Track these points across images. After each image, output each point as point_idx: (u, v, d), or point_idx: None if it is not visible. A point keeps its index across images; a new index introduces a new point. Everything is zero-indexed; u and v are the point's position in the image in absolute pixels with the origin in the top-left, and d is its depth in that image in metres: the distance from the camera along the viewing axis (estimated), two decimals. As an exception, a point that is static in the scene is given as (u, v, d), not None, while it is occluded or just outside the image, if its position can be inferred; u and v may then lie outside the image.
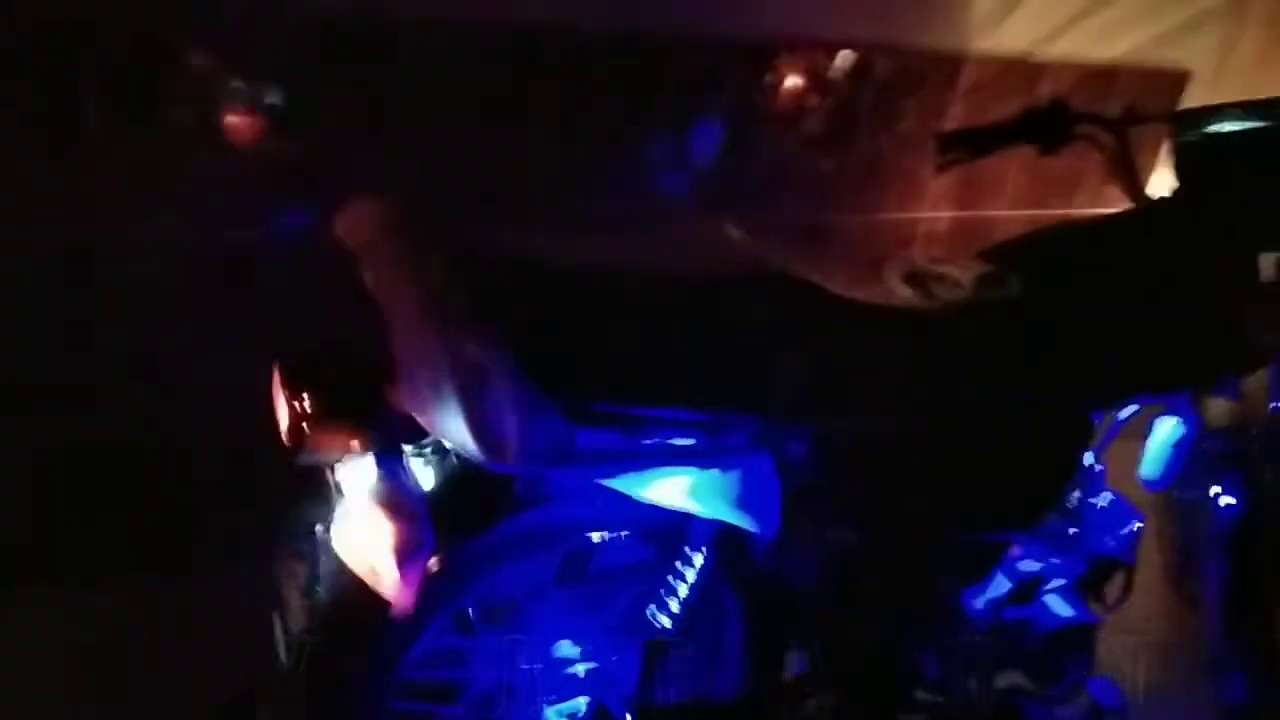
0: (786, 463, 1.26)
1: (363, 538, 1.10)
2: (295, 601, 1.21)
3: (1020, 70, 2.41)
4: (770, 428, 1.24)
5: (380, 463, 1.14)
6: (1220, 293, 1.61)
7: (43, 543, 1.94)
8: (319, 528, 1.25)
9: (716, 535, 1.34)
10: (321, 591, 1.18)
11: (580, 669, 1.44)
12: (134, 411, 1.93)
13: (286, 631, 1.20)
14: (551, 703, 1.44)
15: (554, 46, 2.04)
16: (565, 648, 1.46)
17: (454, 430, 1.06)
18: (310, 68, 1.90)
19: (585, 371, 1.13)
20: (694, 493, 1.23)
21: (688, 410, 1.20)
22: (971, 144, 1.77)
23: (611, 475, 1.20)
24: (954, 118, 2.40)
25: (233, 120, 1.90)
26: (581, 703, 1.44)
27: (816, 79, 2.24)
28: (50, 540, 1.95)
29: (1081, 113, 1.74)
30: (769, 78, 2.21)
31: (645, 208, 2.30)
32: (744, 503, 1.25)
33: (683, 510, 1.27)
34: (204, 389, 1.93)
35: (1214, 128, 1.72)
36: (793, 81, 2.23)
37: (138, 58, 1.78)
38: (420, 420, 1.08)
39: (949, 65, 2.34)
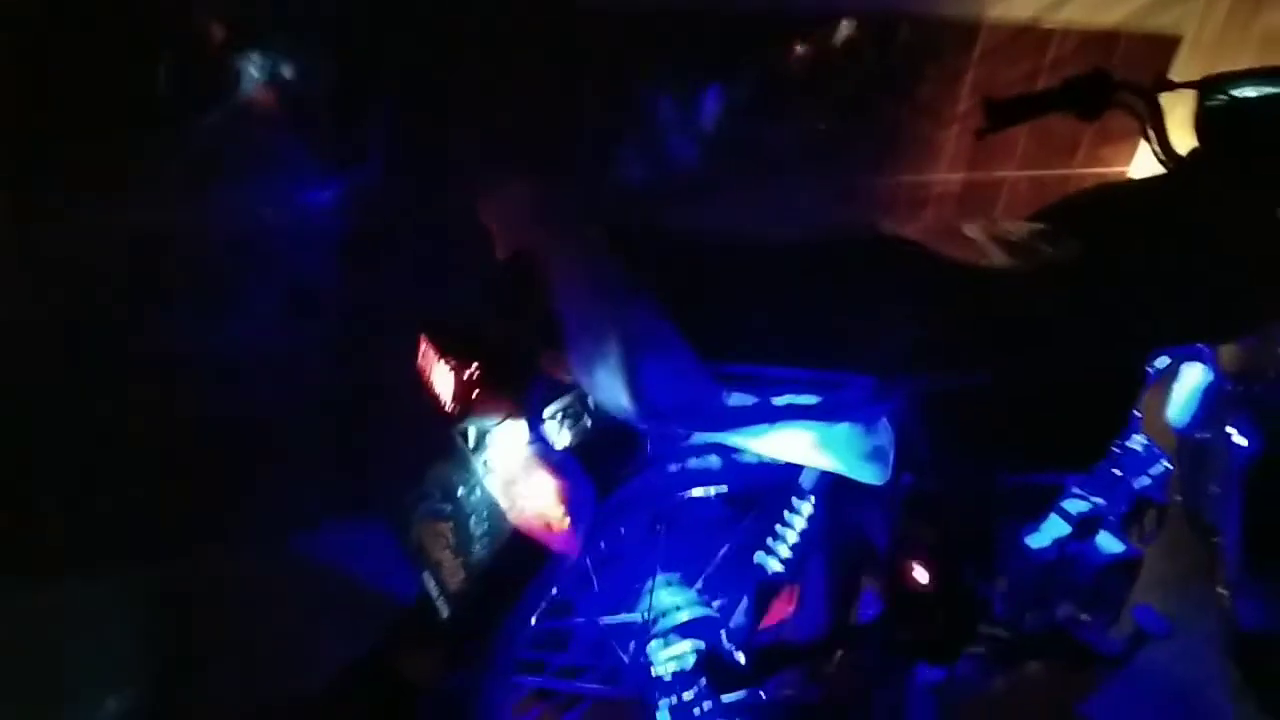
0: (899, 415, 1.35)
1: (530, 492, 1.17)
2: (448, 560, 1.27)
3: (1030, 36, 2.52)
4: (886, 382, 1.32)
5: (536, 424, 1.21)
6: (1251, 248, 1.74)
7: (117, 517, 1.97)
8: (460, 490, 1.32)
9: (824, 486, 1.43)
10: (477, 548, 1.25)
11: (685, 615, 1.53)
12: (208, 386, 1.96)
13: (443, 588, 1.26)
14: (659, 648, 1.52)
15: (589, 21, 2.08)
16: (669, 595, 1.54)
17: (615, 391, 1.12)
18: (359, 42, 1.91)
19: (723, 335, 1.20)
20: (814, 447, 1.31)
21: (813, 369, 1.28)
22: (1018, 110, 1.86)
23: (743, 432, 1.27)
24: (970, 83, 2.50)
25: (275, 97, 1.91)
26: (688, 646, 1.53)
27: (844, 48, 2.31)
28: (123, 515, 1.98)
29: (1119, 80, 1.84)
30: (801, 47, 2.27)
31: (680, 176, 2.36)
32: (860, 454, 1.33)
33: (799, 464, 1.37)
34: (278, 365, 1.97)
35: (1236, 92, 1.83)
36: (822, 50, 2.30)
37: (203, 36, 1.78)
38: (583, 382, 1.14)
39: (965, 33, 2.43)
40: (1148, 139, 1.88)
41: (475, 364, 1.15)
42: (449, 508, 1.32)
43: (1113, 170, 2.93)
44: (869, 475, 1.35)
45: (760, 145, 2.35)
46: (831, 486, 1.44)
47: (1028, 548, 1.75)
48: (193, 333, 1.91)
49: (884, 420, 1.34)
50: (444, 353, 1.19)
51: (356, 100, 1.93)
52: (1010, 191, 2.72)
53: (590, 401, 1.27)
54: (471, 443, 1.35)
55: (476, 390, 1.16)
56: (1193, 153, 1.87)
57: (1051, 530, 1.77)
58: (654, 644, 1.52)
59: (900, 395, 1.35)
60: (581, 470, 1.19)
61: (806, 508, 1.45)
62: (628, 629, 1.53)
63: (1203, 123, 1.87)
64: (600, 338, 1.11)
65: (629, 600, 1.53)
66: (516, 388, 1.19)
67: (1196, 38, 2.92)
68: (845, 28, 2.28)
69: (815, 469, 1.43)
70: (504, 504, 1.23)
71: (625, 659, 1.53)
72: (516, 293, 1.23)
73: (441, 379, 1.20)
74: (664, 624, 1.53)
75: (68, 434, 1.85)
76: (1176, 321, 1.67)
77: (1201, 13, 2.89)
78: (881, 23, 2.31)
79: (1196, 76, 1.86)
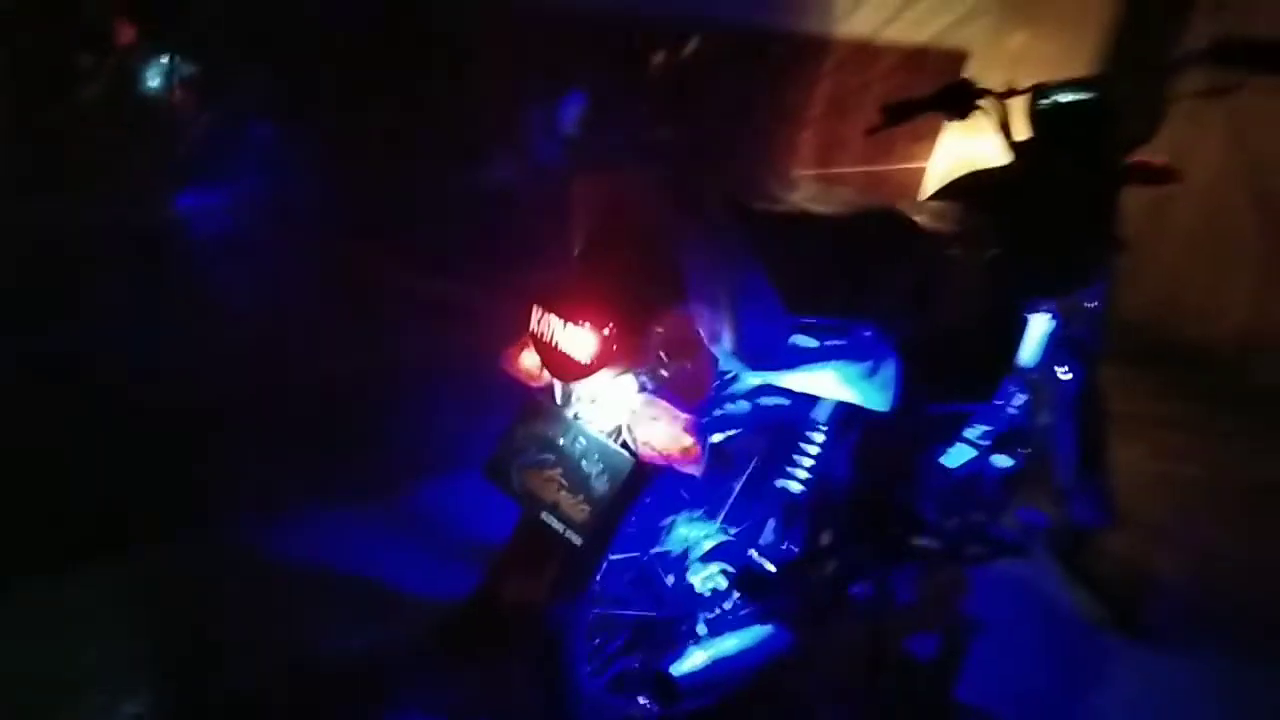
0: (901, 353, 1.68)
1: (659, 428, 1.39)
2: (566, 499, 1.46)
3: (866, 51, 2.97)
4: (888, 327, 1.65)
5: (647, 372, 1.44)
6: (1084, 219, 2.22)
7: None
8: (560, 440, 1.51)
9: (835, 417, 1.74)
10: (598, 485, 1.45)
11: (711, 543, 1.78)
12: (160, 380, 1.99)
13: (568, 523, 1.45)
14: (696, 572, 1.77)
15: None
16: (697, 527, 1.79)
17: (727, 337, 1.38)
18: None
19: (792, 292, 1.47)
20: (837, 382, 1.62)
21: (843, 318, 1.58)
22: (906, 111, 2.26)
23: (792, 371, 1.56)
24: (822, 91, 2.91)
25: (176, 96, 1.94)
26: (717, 568, 1.78)
27: (730, 60, 2.64)
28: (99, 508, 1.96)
29: (980, 89, 2.28)
30: (693, 58, 2.58)
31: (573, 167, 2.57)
32: (870, 387, 1.65)
33: (819, 398, 1.67)
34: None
35: (1058, 97, 2.31)
36: (710, 60, 2.62)
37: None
38: (705, 334, 1.38)
39: (820, 49, 2.84)
40: (1000, 132, 2.33)
41: (611, 324, 1.36)
42: (552, 457, 1.51)
43: (918, 164, 3.47)
44: (878, 403, 1.68)
45: (649, 141, 2.62)
46: (841, 418, 1.75)
47: (945, 469, 2.15)
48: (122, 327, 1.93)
49: (890, 358, 1.66)
50: (574, 316, 1.39)
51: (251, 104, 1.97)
52: (848, 183, 3.17)
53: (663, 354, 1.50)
54: (559, 400, 1.55)
55: (615, 346, 1.37)
56: (1029, 143, 2.33)
57: (961, 453, 2.18)
58: (691, 569, 1.77)
59: (897, 337, 1.68)
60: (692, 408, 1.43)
61: (820, 437, 1.76)
62: (665, 559, 1.76)
63: (1035, 120, 2.34)
64: (718, 295, 1.36)
65: (657, 535, 1.77)
66: (642, 343, 1.41)
67: (983, 53, 3.52)
68: (732, 43, 2.62)
69: (829, 402, 1.73)
70: (618, 443, 1.45)
71: (668, 585, 1.76)
72: (619, 262, 1.46)
73: (574, 339, 1.39)
74: (695, 552, 1.78)
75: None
76: (1050, 277, 2.12)
77: (983, 35, 3.48)
78: (759, 39, 2.67)
79: (982, 83, 2.33)
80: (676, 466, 1.40)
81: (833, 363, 1.59)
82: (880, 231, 1.62)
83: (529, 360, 1.55)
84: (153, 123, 1.93)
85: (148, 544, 2.09)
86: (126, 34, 1.90)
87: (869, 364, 1.64)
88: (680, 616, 1.77)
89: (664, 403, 1.41)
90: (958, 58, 3.33)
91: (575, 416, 1.52)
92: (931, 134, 3.36)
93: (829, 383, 1.61)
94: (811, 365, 1.56)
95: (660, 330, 1.42)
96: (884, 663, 2.21)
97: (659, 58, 2.60)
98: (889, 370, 1.66)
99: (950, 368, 1.91)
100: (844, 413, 1.74)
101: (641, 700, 1.74)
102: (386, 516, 2.41)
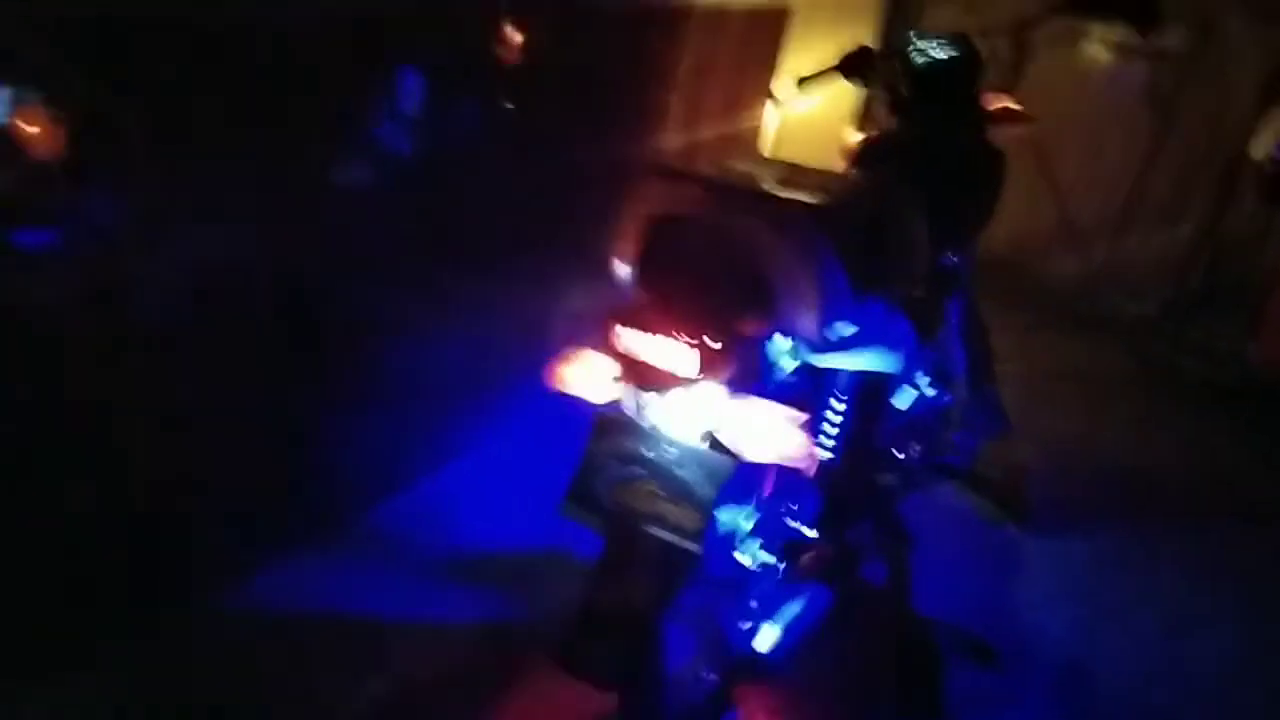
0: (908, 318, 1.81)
1: (768, 429, 1.44)
2: (670, 509, 1.48)
3: (719, 15, 3.05)
4: (897, 301, 1.78)
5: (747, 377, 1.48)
6: (970, 175, 2.42)
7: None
8: (645, 452, 1.53)
9: (854, 384, 1.86)
10: (701, 491, 1.48)
11: (750, 523, 1.85)
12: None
13: (680, 531, 1.47)
14: (744, 551, 1.83)
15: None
16: (733, 510, 1.85)
17: (810, 333, 1.45)
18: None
19: (861, 279, 1.56)
20: (870, 354, 1.73)
21: (881, 293, 1.69)
22: (815, 81, 2.37)
23: (848, 353, 1.65)
24: (681, 56, 2.98)
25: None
26: (758, 544, 1.85)
27: (595, 33, 2.64)
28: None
29: (874, 53, 2.42)
30: (579, 38, 2.56)
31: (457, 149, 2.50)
32: (892, 353, 1.77)
33: (842, 369, 1.78)
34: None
35: (931, 54, 2.48)
36: (568, 37, 2.60)
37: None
38: (793, 330, 1.45)
39: (677, 16, 2.90)
40: (889, 91, 2.47)
41: (712, 334, 1.39)
42: (642, 470, 1.52)
43: (751, 124, 3.62)
44: (894, 367, 1.80)
45: (540, 120, 2.58)
46: (856, 384, 1.86)
47: (896, 409, 2.32)
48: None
49: (902, 324, 1.79)
50: (667, 329, 1.39)
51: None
52: (708, 146, 3.27)
53: None
54: (632, 412, 1.55)
55: (716, 355, 1.39)
56: (909, 101, 2.49)
57: (907, 394, 2.36)
58: (739, 550, 1.82)
59: (902, 304, 1.81)
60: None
61: (840, 405, 1.86)
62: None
63: (912, 78, 2.50)
64: (806, 294, 1.43)
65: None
66: (733, 348, 1.44)
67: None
68: (611, 20, 2.62)
69: (845, 373, 1.84)
70: (708, 446, 1.48)
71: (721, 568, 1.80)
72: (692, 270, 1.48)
73: (670, 353, 1.40)
74: (740, 533, 1.83)
75: None
76: (965, 229, 2.32)
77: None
78: (639, 14, 2.69)
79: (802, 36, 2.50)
80: (792, 464, 1.45)
81: (870, 339, 1.70)
82: (899, 214, 1.73)
83: (587, 376, 1.54)
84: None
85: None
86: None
87: (889, 333, 1.75)
88: (736, 596, 1.83)
89: (765, 403, 1.46)
90: (785, 15, 3.49)
91: (654, 426, 1.53)
92: (758, 95, 3.53)
93: (862, 357, 1.71)
94: (861, 346, 1.66)
95: (739, 334, 1.47)
96: (852, 598, 2.38)
97: (516, 34, 2.54)
98: (902, 336, 1.79)
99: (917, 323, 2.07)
100: (857, 379, 1.85)
101: (708, 676, 1.80)
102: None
